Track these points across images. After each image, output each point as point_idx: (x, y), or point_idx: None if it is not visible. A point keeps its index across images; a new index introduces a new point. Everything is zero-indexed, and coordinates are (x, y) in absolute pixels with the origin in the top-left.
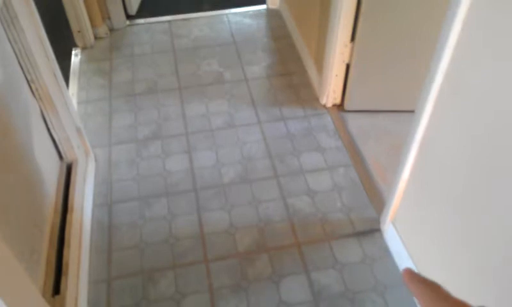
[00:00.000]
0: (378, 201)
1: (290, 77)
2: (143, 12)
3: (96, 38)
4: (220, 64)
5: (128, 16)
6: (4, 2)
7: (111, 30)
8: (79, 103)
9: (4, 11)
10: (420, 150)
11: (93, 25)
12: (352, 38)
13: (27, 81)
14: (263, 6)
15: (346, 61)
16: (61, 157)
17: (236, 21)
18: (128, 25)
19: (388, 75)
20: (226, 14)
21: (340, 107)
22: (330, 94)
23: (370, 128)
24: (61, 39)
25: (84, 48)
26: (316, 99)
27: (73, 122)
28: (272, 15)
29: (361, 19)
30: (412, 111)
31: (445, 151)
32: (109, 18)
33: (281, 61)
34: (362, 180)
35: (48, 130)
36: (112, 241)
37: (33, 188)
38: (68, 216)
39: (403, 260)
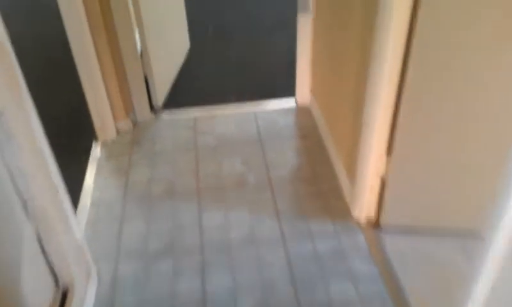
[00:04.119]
0: None
1: (319, 183)
2: (169, 104)
3: (118, 132)
4: (244, 164)
5: (153, 109)
6: None
7: (134, 123)
8: (91, 205)
9: None
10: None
11: (115, 120)
12: (388, 151)
13: (22, 201)
14: (292, 101)
15: (381, 174)
16: (57, 281)
17: (263, 116)
18: (153, 119)
19: (430, 191)
20: (254, 108)
21: (375, 223)
22: (364, 208)
23: (410, 252)
24: (81, 133)
25: (104, 143)
26: (347, 211)
27: (75, 242)
28: (301, 111)
29: (398, 132)
30: (458, 231)
31: None
32: (133, 111)
33: (310, 164)
34: None
35: (44, 252)
36: None
37: None
38: None
39: None
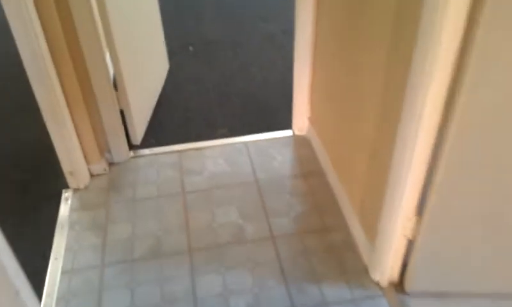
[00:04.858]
0: None
1: (329, 234)
2: (149, 140)
3: (92, 175)
4: (240, 213)
5: (132, 146)
6: None
7: (111, 164)
8: (62, 273)
9: None
10: None
11: (88, 162)
12: (418, 210)
13: None
14: (289, 132)
15: (408, 236)
16: None
17: (257, 151)
18: (132, 158)
19: (468, 256)
20: (246, 142)
21: (398, 286)
22: (386, 272)
23: None
24: (49, 181)
25: (76, 191)
26: (364, 271)
27: None
28: (300, 143)
29: (433, 192)
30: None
31: None
32: (109, 151)
33: (315, 209)
34: None
35: None
36: None
37: None
38: None
39: None
